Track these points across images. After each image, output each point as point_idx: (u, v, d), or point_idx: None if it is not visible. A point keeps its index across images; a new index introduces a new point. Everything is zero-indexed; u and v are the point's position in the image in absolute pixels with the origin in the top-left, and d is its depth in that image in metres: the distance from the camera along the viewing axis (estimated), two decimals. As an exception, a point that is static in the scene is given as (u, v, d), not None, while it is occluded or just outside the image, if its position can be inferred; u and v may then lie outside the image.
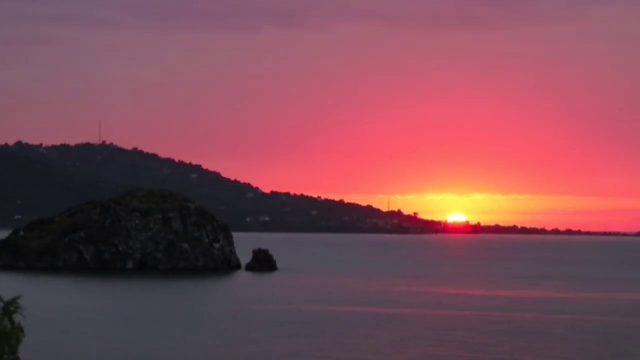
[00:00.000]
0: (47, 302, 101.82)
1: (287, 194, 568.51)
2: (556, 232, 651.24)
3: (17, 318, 10.31)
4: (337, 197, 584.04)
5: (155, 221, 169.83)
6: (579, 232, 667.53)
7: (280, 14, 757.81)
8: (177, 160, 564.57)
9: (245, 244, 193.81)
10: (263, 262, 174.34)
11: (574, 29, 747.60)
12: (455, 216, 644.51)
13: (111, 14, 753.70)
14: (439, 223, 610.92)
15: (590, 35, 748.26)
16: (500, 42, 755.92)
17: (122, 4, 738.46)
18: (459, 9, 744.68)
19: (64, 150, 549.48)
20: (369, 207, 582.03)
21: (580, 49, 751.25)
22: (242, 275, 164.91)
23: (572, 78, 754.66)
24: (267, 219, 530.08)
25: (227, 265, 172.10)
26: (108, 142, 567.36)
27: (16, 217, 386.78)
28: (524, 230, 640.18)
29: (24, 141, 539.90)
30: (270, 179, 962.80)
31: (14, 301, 10.17)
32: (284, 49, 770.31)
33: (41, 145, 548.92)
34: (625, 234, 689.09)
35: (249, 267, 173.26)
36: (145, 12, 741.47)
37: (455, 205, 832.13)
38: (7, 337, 9.91)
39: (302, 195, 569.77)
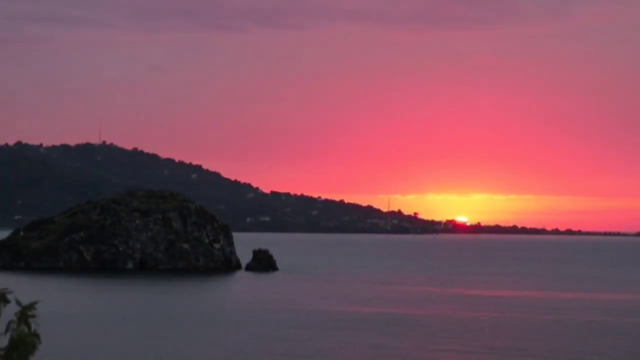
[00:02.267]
0: (47, 302, 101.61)
1: (287, 194, 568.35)
2: (556, 232, 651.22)
3: (33, 324, 10.10)
4: (337, 197, 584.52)
5: (155, 221, 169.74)
6: (579, 232, 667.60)
7: (264, 14, 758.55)
8: (177, 160, 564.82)
9: (245, 244, 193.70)
10: (263, 262, 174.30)
11: (561, 29, 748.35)
12: (456, 216, 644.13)
13: (100, 13, 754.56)
14: (439, 223, 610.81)
15: (580, 34, 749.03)
16: (488, 42, 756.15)
17: (109, 3, 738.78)
18: (445, 8, 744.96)
19: (64, 150, 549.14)
20: (369, 207, 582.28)
21: (574, 47, 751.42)
22: (242, 275, 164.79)
23: (570, 78, 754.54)
24: (267, 219, 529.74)
25: (227, 265, 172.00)
26: (108, 142, 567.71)
27: (16, 217, 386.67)
28: (524, 230, 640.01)
29: (24, 141, 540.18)
30: (270, 179, 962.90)
31: (31, 306, 9.96)
32: (277, 49, 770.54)
33: (41, 145, 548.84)
34: (625, 234, 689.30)
35: (249, 267, 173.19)
36: (131, 12, 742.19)
37: (455, 205, 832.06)
38: (31, 346, 9.75)
39: (302, 195, 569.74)
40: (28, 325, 9.85)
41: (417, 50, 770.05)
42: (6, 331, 9.75)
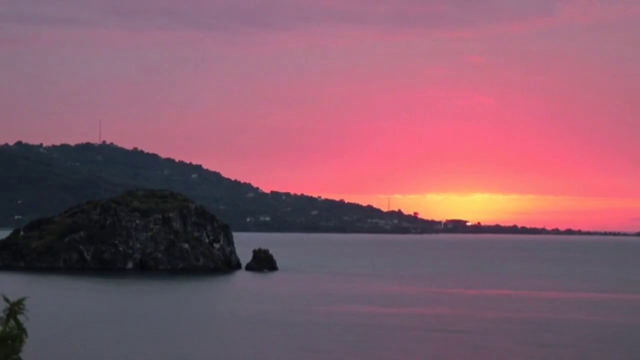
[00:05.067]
0: (47, 302, 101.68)
1: (287, 194, 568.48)
2: (556, 232, 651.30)
3: (21, 319, 10.25)
4: (337, 197, 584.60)
5: (155, 221, 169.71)
6: (579, 232, 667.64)
7: (251, 13, 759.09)
8: (177, 160, 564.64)
9: (245, 244, 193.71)
10: (263, 262, 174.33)
11: (546, 27, 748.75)
12: (456, 216, 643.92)
13: (95, 14, 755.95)
14: (439, 223, 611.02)
15: (571, 32, 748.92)
16: (475, 41, 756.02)
17: (104, 3, 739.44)
18: (428, 7, 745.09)
19: (64, 150, 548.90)
20: (369, 207, 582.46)
21: (569, 46, 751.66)
22: (242, 275, 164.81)
23: (569, 77, 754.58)
24: (267, 219, 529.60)
25: (227, 265, 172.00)
26: (108, 142, 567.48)
27: (16, 217, 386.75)
28: (524, 230, 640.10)
29: (24, 141, 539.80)
30: (270, 179, 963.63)
31: (19, 302, 10.11)
32: (276, 49, 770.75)
33: (41, 145, 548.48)
34: (625, 234, 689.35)
35: (249, 267, 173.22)
36: (129, 12, 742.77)
37: (455, 205, 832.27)
38: (13, 338, 9.85)
39: (302, 195, 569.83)
40: (17, 320, 10.01)
41: (413, 51, 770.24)
42: None
